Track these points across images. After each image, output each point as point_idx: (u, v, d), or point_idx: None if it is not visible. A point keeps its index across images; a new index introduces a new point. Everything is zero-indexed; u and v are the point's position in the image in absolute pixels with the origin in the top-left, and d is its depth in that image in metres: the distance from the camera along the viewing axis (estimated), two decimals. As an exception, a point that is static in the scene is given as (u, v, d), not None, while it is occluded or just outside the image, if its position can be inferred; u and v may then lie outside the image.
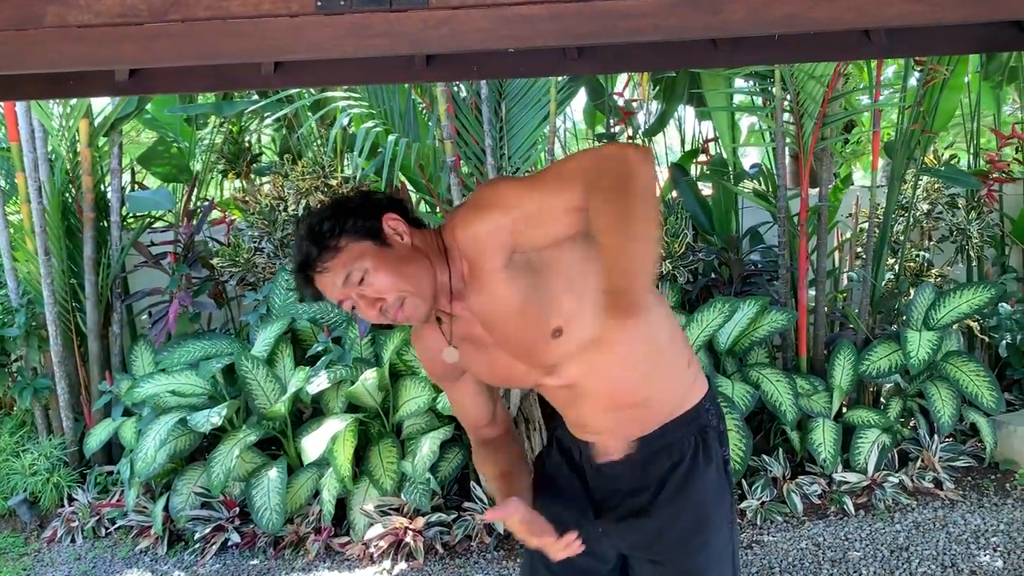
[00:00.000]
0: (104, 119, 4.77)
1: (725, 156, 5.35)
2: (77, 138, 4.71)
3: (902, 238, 5.28)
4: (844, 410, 4.67)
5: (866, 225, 4.92)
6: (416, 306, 1.58)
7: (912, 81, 4.81)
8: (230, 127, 5.94)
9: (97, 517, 4.55)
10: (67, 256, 4.91)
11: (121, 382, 4.73)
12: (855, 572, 3.60)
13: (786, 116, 4.55)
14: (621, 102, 5.91)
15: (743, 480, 4.29)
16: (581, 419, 1.77)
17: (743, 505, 4.20)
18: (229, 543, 4.25)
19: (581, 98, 6.30)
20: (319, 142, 4.71)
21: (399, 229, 1.62)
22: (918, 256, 5.46)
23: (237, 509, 4.34)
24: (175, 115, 5.16)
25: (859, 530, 3.98)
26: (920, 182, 5.31)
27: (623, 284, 1.32)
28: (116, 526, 4.52)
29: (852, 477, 4.34)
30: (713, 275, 5.14)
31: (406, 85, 4.28)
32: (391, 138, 3.86)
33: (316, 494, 4.28)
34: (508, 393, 4.00)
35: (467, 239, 1.56)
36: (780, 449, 4.44)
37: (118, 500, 4.58)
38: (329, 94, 4.15)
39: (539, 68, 3.29)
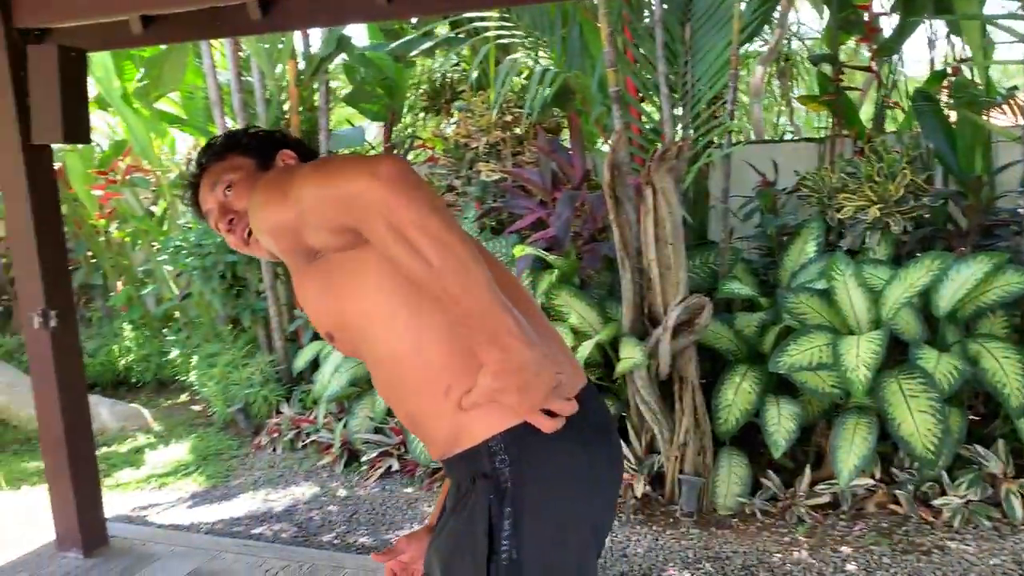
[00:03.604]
0: (309, 61, 5.03)
1: (978, 79, 4.37)
2: (286, 80, 5.02)
3: None
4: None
5: None
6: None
7: None
8: (463, 63, 6.02)
9: (296, 431, 4.97)
10: (284, 189, 5.31)
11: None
12: (1054, 606, 2.85)
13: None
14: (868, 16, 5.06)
15: (944, 473, 3.57)
16: None
17: (939, 501, 3.50)
18: (392, 469, 4.42)
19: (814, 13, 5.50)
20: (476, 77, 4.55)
21: (289, 166, 1.56)
22: None
23: (401, 437, 4.48)
24: (384, 55, 5.31)
25: (1087, 554, 3.14)
26: None
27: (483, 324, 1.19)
28: (310, 440, 4.89)
29: (1100, 485, 3.44)
30: (949, 225, 4.28)
31: (570, 11, 3.98)
32: (537, 69, 3.62)
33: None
34: (658, 350, 3.66)
35: (260, 227, 1.37)
36: (1001, 440, 3.63)
37: (314, 417, 4.95)
38: (483, 24, 3.98)
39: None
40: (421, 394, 1.38)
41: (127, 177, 5.94)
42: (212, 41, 5.18)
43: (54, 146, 4.86)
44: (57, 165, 6.21)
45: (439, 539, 1.40)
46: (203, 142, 6.77)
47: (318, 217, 1.26)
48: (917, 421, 3.41)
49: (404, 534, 1.64)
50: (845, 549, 3.35)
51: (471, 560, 1.30)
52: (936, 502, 3.54)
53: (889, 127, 5.09)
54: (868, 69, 5.00)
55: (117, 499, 4.40)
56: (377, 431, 4.59)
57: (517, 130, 4.69)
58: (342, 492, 4.32)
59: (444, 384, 1.34)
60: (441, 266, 1.15)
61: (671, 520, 3.70)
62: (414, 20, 5.06)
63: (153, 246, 6.27)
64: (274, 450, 4.94)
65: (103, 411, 5.52)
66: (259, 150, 1.61)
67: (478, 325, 1.19)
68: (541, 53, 4.12)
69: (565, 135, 5.07)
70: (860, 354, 3.45)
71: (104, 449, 5.14)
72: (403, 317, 1.35)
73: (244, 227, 1.56)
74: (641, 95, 4.27)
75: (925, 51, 5.37)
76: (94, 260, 6.79)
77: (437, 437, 1.40)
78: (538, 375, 1.20)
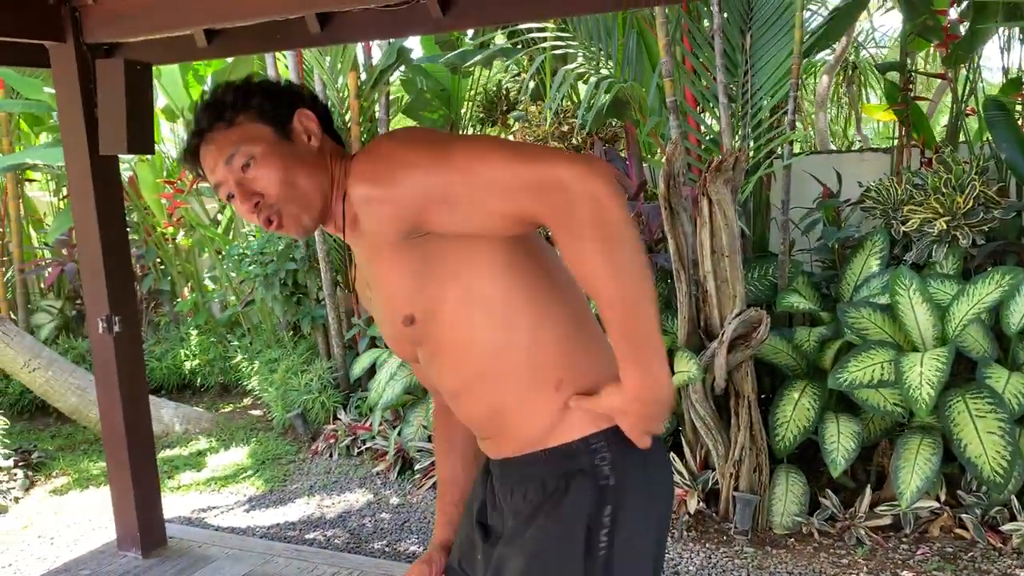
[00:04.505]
0: (370, 72, 5.10)
1: (1054, 87, 4.20)
2: (347, 91, 5.10)
3: None
4: None
5: None
6: (295, 217, 1.35)
7: None
8: (522, 72, 6.04)
9: (352, 437, 5.02)
10: (345, 199, 5.39)
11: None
12: None
13: None
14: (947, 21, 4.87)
15: (1014, 497, 3.42)
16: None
17: (1008, 527, 3.36)
18: (445, 478, 4.42)
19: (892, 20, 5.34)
20: (533, 87, 4.55)
21: (310, 129, 1.40)
22: None
23: (455, 447, 4.49)
24: (441, 66, 5.35)
25: None
26: None
27: (640, 356, 1.20)
28: (366, 447, 4.94)
29: None
30: (1023, 239, 4.11)
31: (626, 21, 3.96)
32: (592, 80, 3.60)
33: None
34: (713, 364, 3.59)
35: (361, 196, 1.27)
36: (1078, 465, 3.46)
37: (369, 424, 5.00)
38: (538, 35, 3.99)
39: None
40: (522, 386, 1.35)
41: (194, 186, 6.11)
42: (276, 53, 5.30)
43: (127, 156, 5.01)
44: (129, 174, 6.43)
45: (520, 541, 1.36)
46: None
47: (492, 194, 1.19)
48: (985, 443, 3.28)
49: (416, 563, 1.63)
50: (907, 574, 3.24)
51: (567, 559, 1.30)
52: (1005, 527, 3.40)
53: (961, 137, 4.91)
54: (942, 76, 4.84)
55: (179, 501, 4.51)
56: (431, 439, 4.60)
57: (573, 140, 4.68)
58: (395, 500, 4.34)
59: (555, 378, 1.34)
60: (628, 274, 1.15)
61: (724, 538, 3.62)
62: (470, 32, 5.09)
63: (218, 253, 6.42)
64: (330, 456, 5.00)
65: (168, 414, 5.67)
66: (274, 114, 1.38)
67: (636, 341, 1.19)
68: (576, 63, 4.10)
69: (622, 145, 5.04)
70: (924, 372, 3.33)
71: (168, 452, 5.28)
72: (520, 307, 1.32)
73: (272, 212, 1.35)
74: (699, 105, 4.21)
75: (1000, 56, 5.16)
76: (162, 267, 6.99)
77: (528, 432, 1.37)
78: (664, 407, 1.22)
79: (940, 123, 7.05)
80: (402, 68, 5.41)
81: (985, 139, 4.69)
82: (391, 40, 5.00)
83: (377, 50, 5.36)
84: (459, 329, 1.35)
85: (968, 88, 4.86)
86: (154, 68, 3.47)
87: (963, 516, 3.49)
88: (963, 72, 4.90)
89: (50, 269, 6.66)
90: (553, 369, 1.34)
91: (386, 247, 1.34)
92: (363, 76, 5.23)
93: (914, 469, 3.38)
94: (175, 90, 5.84)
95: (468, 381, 1.40)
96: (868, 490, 3.65)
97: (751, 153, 4.09)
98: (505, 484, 1.44)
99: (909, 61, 4.79)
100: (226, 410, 6.21)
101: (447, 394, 1.47)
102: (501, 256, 1.30)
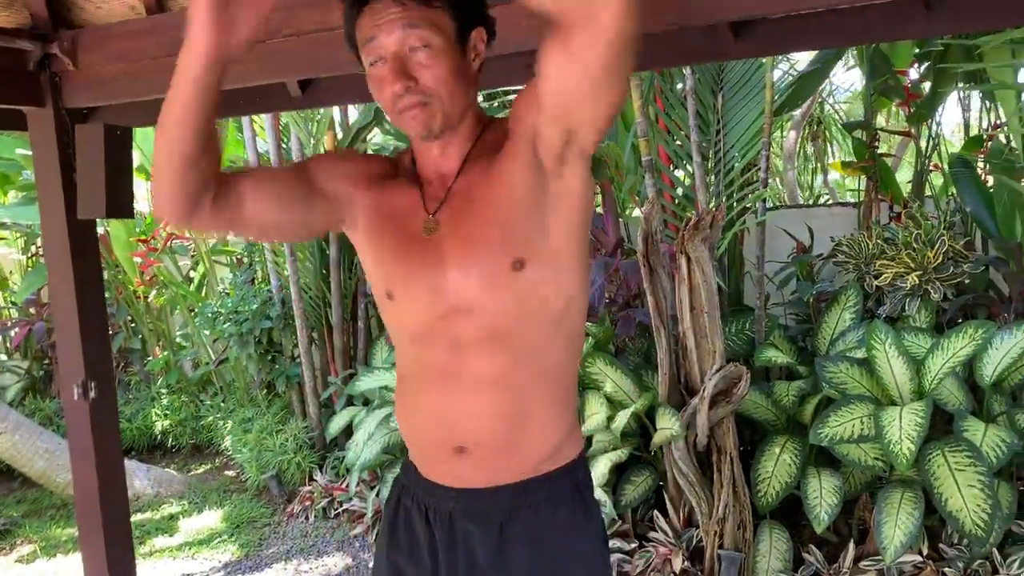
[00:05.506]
0: (347, 131, 5.14)
1: (1014, 144, 4.33)
2: (324, 149, 5.12)
3: None
4: None
5: None
6: (435, 115, 1.33)
7: None
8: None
9: (329, 499, 4.93)
10: (321, 257, 5.38)
11: (359, 375, 5.08)
12: None
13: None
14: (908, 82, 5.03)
15: (995, 550, 3.45)
16: (444, 417, 1.43)
17: (991, 581, 3.38)
18: (425, 540, 4.36)
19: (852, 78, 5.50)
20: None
21: (480, 52, 1.40)
22: None
23: (435, 508, 4.43)
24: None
25: None
26: None
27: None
28: (343, 509, 4.85)
29: None
30: (991, 292, 4.20)
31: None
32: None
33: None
34: (695, 420, 3.60)
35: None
36: (1057, 516, 3.50)
37: (346, 485, 4.92)
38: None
39: (695, 53, 2.92)
40: (559, 394, 1.43)
41: (167, 244, 6.07)
42: (252, 113, 5.31)
43: (98, 216, 4.97)
44: (101, 231, 6.37)
45: (574, 559, 1.43)
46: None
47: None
48: (965, 496, 3.31)
49: None
50: (894, 631, 3.23)
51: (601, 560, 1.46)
52: (988, 581, 3.42)
53: (927, 191, 5.04)
54: (906, 134, 4.99)
55: (151, 569, 4.38)
56: (410, 500, 4.54)
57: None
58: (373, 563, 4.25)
59: (574, 402, 1.48)
60: None
61: (711, 597, 3.59)
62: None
63: (191, 311, 6.35)
64: (307, 518, 4.90)
65: (140, 477, 5.52)
66: (464, 19, 1.36)
67: None
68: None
69: (599, 202, 5.09)
70: (903, 426, 3.37)
71: (139, 516, 5.14)
72: (582, 312, 1.45)
73: (418, 101, 1.32)
74: (673, 163, 4.29)
75: (960, 114, 5.33)
76: (133, 325, 6.90)
77: (541, 449, 1.42)
78: None
79: (903, 178, 7.22)
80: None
81: (950, 194, 4.82)
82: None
83: (354, 109, 5.41)
84: (531, 309, 1.38)
85: (932, 145, 5.01)
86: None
87: (946, 570, 3.50)
88: (925, 129, 5.06)
89: (17, 329, 6.54)
90: (575, 393, 1.49)
91: (524, 173, 1.34)
92: (339, 134, 5.26)
93: (896, 523, 3.39)
94: (150, 149, 5.81)
95: (514, 369, 1.39)
96: (851, 545, 3.65)
97: (725, 210, 4.15)
98: (490, 515, 1.42)
99: (874, 120, 4.92)
100: (199, 471, 6.07)
101: (469, 383, 1.39)
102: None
